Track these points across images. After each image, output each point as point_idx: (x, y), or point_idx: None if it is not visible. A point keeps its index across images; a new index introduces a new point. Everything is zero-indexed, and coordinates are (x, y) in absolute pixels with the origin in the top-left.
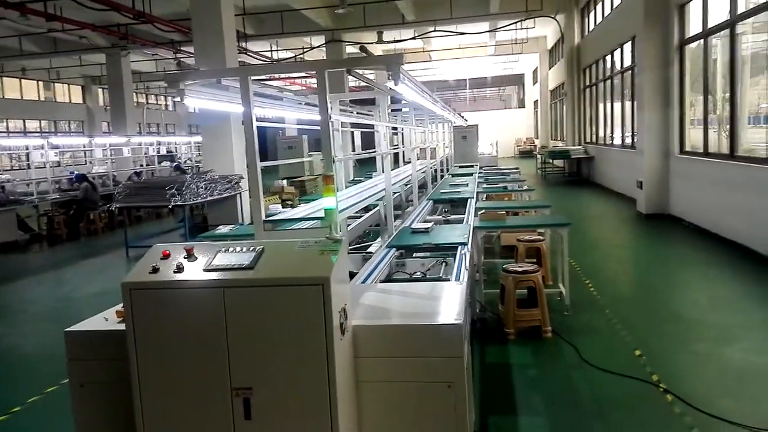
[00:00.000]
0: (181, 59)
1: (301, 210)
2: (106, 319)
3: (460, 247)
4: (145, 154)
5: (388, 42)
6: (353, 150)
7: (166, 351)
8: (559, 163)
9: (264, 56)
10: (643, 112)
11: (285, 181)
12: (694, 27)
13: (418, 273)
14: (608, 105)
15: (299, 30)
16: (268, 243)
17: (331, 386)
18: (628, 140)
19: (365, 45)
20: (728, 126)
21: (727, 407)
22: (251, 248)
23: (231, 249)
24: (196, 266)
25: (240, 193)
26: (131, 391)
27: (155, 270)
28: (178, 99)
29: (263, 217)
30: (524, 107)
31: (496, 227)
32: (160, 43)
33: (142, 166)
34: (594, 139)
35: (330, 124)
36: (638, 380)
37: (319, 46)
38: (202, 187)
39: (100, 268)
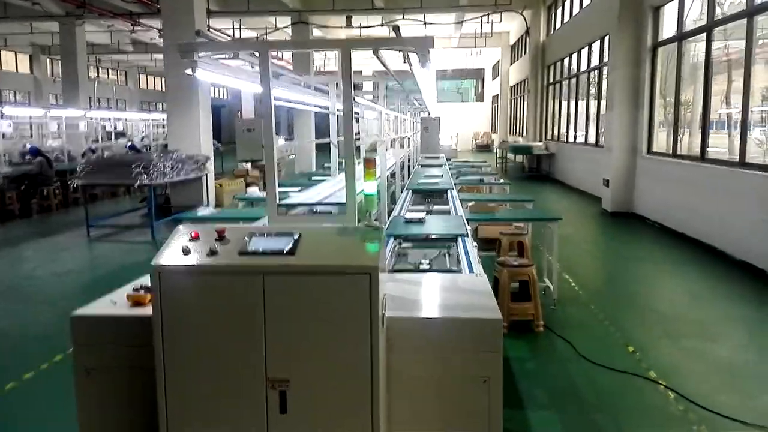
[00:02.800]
0: (138, 31)
1: (308, 195)
2: (115, 303)
3: (461, 239)
4: (104, 129)
5: (355, 27)
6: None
7: (196, 338)
8: (518, 158)
9: (226, 35)
10: (612, 111)
11: (249, 165)
12: (668, 30)
13: (425, 264)
14: (572, 103)
15: (265, 9)
16: (304, 229)
17: (374, 380)
18: (592, 138)
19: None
20: (700, 129)
21: (726, 403)
22: (287, 233)
23: (265, 233)
24: (230, 250)
25: (207, 175)
26: (155, 378)
27: (186, 252)
28: (189, 71)
29: (277, 202)
30: (482, 101)
31: (488, 219)
32: (118, 14)
33: (96, 141)
34: (555, 136)
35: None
36: (638, 377)
37: (283, 27)
38: (168, 167)
39: (63, 246)
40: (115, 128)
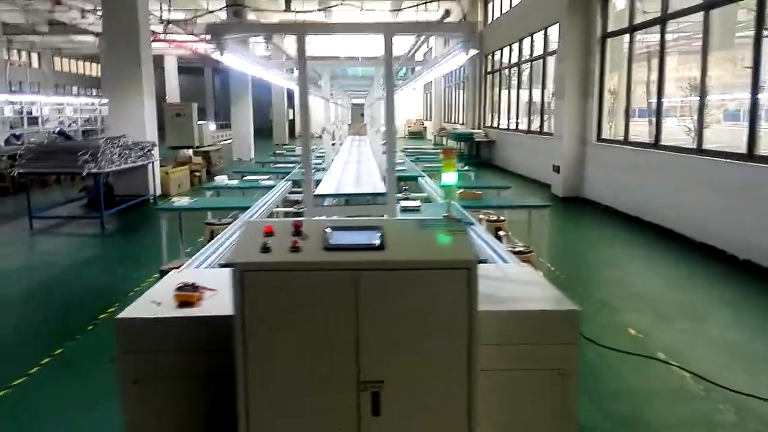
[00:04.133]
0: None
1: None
2: (158, 304)
3: (469, 228)
4: (29, 114)
5: (291, 11)
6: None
7: (281, 340)
8: (452, 144)
9: (154, 16)
10: (562, 100)
11: (190, 151)
12: (619, 20)
13: None
14: (513, 91)
15: None
16: (383, 222)
17: (471, 378)
18: (536, 126)
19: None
20: (654, 116)
21: (737, 381)
22: (368, 227)
23: (345, 227)
24: (313, 245)
25: (153, 162)
26: (235, 384)
27: (266, 249)
28: (218, 52)
29: (313, 192)
30: (414, 89)
31: (482, 207)
32: None
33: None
34: (496, 124)
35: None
36: (651, 359)
37: (215, 11)
38: (116, 154)
39: (4, 240)
40: (30, 114)
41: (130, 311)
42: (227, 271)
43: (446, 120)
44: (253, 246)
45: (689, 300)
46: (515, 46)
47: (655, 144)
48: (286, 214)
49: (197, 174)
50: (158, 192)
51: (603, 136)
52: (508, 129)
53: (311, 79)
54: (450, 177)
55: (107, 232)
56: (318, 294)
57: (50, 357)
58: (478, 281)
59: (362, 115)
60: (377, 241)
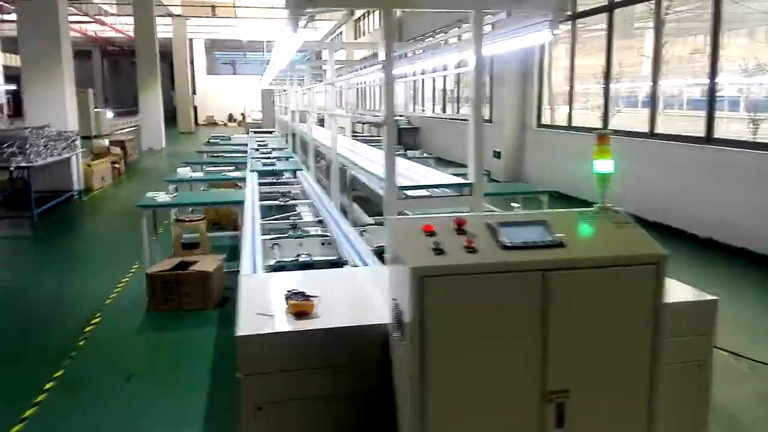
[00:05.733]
0: None
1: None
2: (272, 316)
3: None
4: None
5: None
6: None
7: (462, 348)
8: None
9: None
10: (502, 88)
11: (107, 141)
12: None
13: None
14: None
15: None
16: (544, 215)
17: (654, 380)
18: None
19: None
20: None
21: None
22: (535, 221)
23: (510, 222)
24: (487, 245)
25: (77, 154)
26: (410, 397)
27: (440, 251)
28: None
29: (397, 185)
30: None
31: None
32: None
33: None
34: (421, 111)
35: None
36: None
37: None
38: (42, 145)
39: None
40: None
41: (247, 328)
42: (312, 273)
43: (365, 108)
44: (422, 247)
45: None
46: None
47: (604, 128)
48: (278, 207)
49: (116, 166)
50: (81, 186)
51: (543, 122)
52: (434, 116)
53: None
54: (605, 165)
55: (40, 235)
56: (500, 298)
57: (53, 381)
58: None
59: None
60: (552, 238)
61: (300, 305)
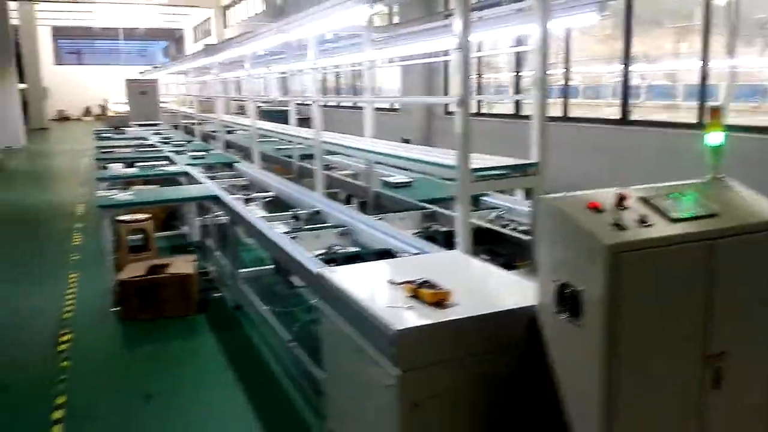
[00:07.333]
0: None
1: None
2: (411, 307)
3: None
4: None
5: None
6: None
7: (643, 322)
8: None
9: None
10: (409, 77)
11: None
12: None
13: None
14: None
15: None
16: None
17: None
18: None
19: None
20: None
21: None
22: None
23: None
24: (655, 218)
25: None
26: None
27: (621, 227)
28: None
29: (470, 166)
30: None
31: None
32: None
33: None
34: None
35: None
36: None
37: None
38: None
39: None
40: None
41: (402, 322)
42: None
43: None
44: (601, 224)
45: None
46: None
47: (516, 114)
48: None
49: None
50: None
51: (450, 110)
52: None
53: None
54: (716, 137)
55: None
56: (675, 269)
57: (58, 408)
58: None
59: None
60: (714, 209)
61: (439, 294)
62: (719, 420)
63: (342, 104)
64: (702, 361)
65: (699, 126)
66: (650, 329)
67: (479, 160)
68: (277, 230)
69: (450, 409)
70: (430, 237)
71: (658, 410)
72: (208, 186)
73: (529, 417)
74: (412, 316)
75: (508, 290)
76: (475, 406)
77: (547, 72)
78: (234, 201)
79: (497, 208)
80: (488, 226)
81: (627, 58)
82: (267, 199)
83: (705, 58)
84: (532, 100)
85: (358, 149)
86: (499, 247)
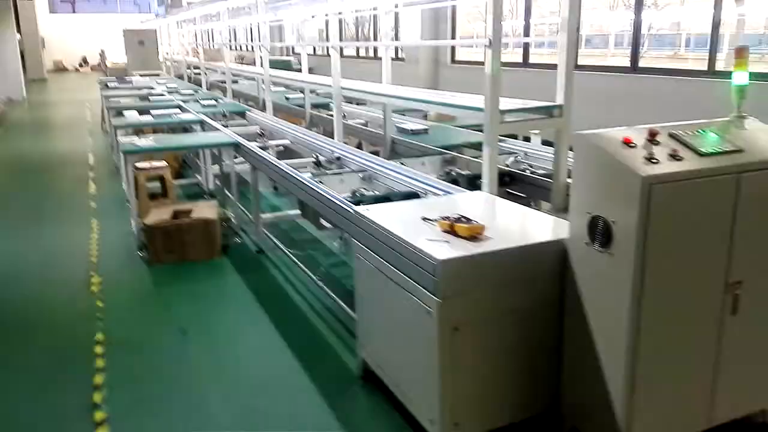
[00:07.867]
0: None
1: None
2: (447, 242)
3: None
4: None
5: None
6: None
7: (671, 253)
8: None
9: None
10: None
11: None
12: None
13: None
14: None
15: None
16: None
17: None
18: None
19: None
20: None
21: None
22: (696, 130)
23: (680, 131)
24: (684, 153)
25: None
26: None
27: (653, 160)
28: None
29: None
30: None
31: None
32: None
33: None
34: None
35: None
36: None
37: None
38: None
39: None
40: None
41: (446, 252)
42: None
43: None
44: (635, 157)
45: None
46: None
47: (524, 62)
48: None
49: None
50: None
51: (457, 59)
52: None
53: None
54: (742, 77)
55: None
56: (702, 202)
57: (99, 344)
58: None
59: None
60: (739, 145)
61: (474, 228)
62: (734, 343)
63: (345, 54)
64: (723, 289)
65: (710, 73)
66: (677, 257)
67: (504, 104)
68: (305, 175)
69: (486, 335)
70: (453, 180)
71: (681, 331)
72: (227, 132)
73: (557, 344)
74: (452, 249)
75: (538, 226)
76: (508, 333)
77: (576, 15)
78: (256, 147)
79: (514, 153)
80: (510, 169)
81: (639, 4)
82: (280, 148)
83: (717, 4)
84: (557, 45)
85: (382, 94)
86: (518, 190)
